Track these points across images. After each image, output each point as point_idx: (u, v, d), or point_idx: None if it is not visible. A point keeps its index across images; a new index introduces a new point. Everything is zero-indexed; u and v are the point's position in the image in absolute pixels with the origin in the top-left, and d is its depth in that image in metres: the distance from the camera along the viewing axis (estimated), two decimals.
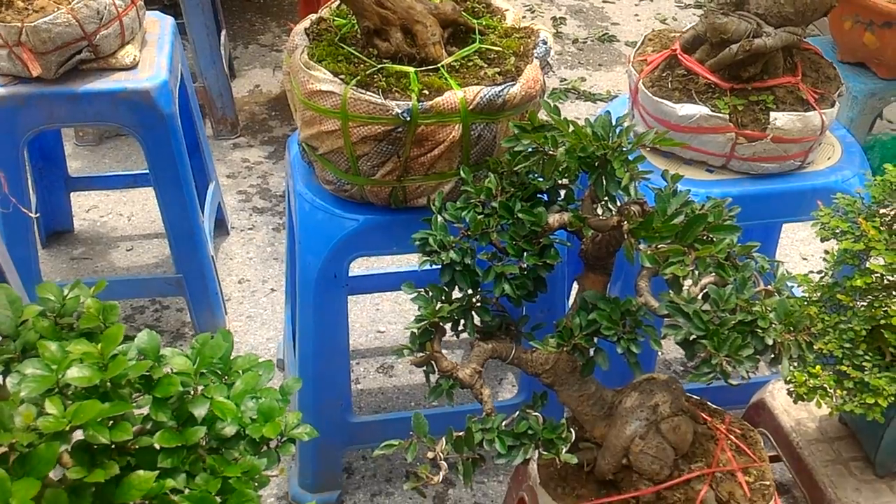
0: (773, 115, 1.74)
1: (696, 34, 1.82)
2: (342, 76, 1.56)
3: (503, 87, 1.56)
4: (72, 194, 2.61)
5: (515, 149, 1.37)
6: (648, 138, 1.28)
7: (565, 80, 3.54)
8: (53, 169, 2.48)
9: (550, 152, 1.33)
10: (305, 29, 1.70)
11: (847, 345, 1.47)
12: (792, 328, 1.26)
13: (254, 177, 2.92)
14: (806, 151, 1.80)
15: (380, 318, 2.49)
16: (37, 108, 1.93)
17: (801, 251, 2.79)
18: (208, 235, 2.41)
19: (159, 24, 2.20)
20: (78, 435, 1.01)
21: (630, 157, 1.24)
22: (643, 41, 1.95)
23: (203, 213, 2.42)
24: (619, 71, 3.61)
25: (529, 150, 1.35)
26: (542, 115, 1.41)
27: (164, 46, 2.12)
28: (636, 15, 3.99)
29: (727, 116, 1.74)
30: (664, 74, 1.83)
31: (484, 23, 1.75)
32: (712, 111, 1.74)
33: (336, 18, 1.73)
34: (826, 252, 1.59)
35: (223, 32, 3.19)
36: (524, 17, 4.00)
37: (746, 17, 1.73)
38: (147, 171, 2.14)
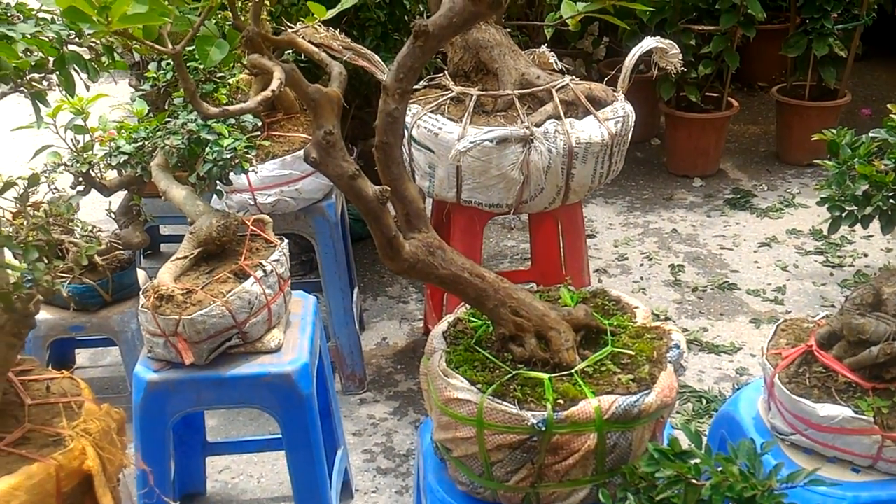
0: None
1: (831, 330, 1.81)
2: (478, 385, 1.61)
3: (638, 396, 1.57)
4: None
5: (656, 475, 1.36)
6: (800, 479, 1.25)
7: (687, 330, 3.52)
8: (193, 435, 2.59)
9: (693, 482, 1.31)
10: (443, 332, 1.77)
11: None
12: None
13: (379, 434, 2.96)
14: None
15: None
16: (186, 393, 2.05)
17: None
18: (335, 502, 2.43)
19: (302, 304, 2.34)
20: None
21: (784, 502, 1.21)
22: (775, 332, 1.95)
23: (331, 479, 2.45)
24: (742, 321, 3.58)
25: (671, 478, 1.33)
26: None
27: (306, 328, 2.24)
28: (756, 262, 4.00)
29: (872, 419, 1.68)
30: (801, 370, 1.81)
31: (615, 322, 1.79)
32: (855, 412, 1.69)
33: (471, 320, 1.81)
34: None
35: (355, 290, 3.35)
36: (642, 264, 4.07)
37: (885, 319, 1.72)
38: (279, 436, 2.21)
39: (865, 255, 4.01)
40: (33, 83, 1.40)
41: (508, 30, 3.03)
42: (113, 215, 2.61)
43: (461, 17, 1.53)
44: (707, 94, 4.78)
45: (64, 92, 1.71)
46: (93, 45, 1.77)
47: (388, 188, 1.57)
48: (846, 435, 1.71)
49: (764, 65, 5.76)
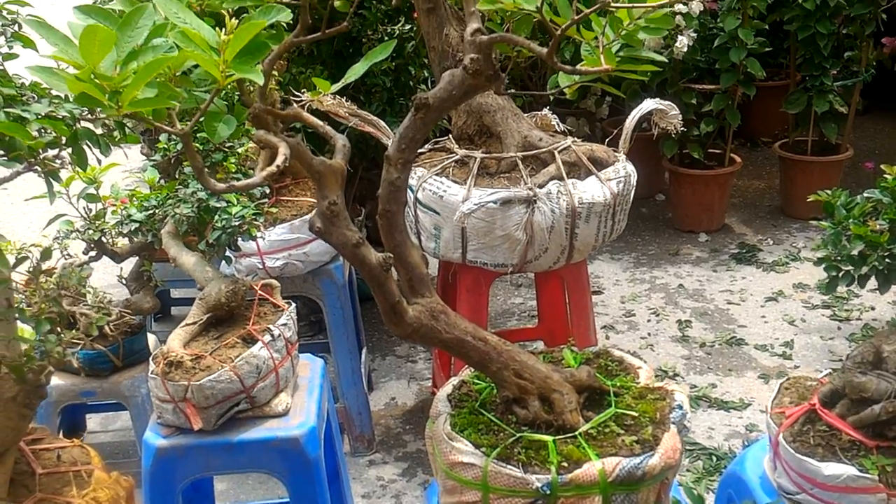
0: None
1: (834, 388, 1.82)
2: (483, 448, 1.62)
3: (642, 458, 1.58)
4: None
5: None
6: None
7: (695, 386, 3.52)
8: (203, 500, 2.58)
9: None
10: (448, 395, 1.79)
11: None
12: None
13: (388, 497, 2.96)
14: None
15: None
16: (195, 458, 2.06)
17: None
18: None
19: (310, 367, 2.36)
20: None
21: None
22: (779, 390, 1.96)
23: None
24: (751, 376, 3.58)
25: None
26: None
27: (313, 391, 2.26)
28: (763, 317, 4.01)
29: (876, 477, 1.69)
30: (805, 429, 1.81)
31: (618, 383, 1.81)
32: (860, 471, 1.70)
33: (476, 382, 1.83)
34: None
35: (364, 350, 3.38)
36: (649, 320, 4.08)
37: (886, 377, 1.73)
38: (287, 500, 2.22)
39: (873, 308, 4.01)
40: (46, 162, 1.45)
41: (511, 89, 3.09)
42: (124, 281, 2.66)
43: (460, 89, 1.59)
44: (710, 150, 4.84)
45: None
46: (105, 122, 1.82)
47: (391, 255, 1.60)
48: (851, 494, 1.71)
49: (766, 121, 5.83)
